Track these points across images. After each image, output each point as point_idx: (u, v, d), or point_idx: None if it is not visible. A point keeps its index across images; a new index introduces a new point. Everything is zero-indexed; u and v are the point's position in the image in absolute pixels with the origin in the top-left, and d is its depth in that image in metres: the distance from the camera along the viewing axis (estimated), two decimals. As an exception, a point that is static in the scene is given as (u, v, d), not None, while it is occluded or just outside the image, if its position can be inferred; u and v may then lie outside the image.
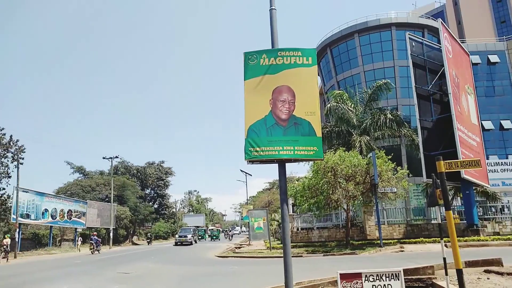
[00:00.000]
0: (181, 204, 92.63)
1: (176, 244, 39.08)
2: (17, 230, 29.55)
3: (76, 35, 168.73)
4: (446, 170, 6.55)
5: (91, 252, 30.09)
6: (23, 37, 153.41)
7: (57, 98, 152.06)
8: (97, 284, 11.98)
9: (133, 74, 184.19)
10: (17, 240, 28.60)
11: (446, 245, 7.62)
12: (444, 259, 7.04)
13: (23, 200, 31.89)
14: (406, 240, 22.33)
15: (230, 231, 65.23)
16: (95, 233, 35.44)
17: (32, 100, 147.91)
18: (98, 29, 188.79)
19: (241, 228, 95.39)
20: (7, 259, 24.30)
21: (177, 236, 41.56)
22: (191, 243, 38.98)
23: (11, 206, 31.48)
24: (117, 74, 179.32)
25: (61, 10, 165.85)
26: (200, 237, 53.57)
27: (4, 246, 24.69)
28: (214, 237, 55.54)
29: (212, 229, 60.54)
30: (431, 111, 24.26)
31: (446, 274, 6.91)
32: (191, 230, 43.57)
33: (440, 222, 8.09)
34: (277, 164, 6.42)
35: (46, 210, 35.30)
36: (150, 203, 65.06)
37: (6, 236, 26.48)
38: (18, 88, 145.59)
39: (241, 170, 51.18)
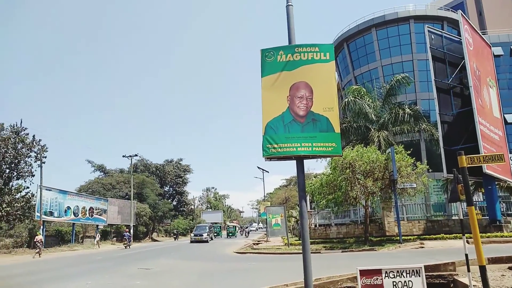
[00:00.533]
0: (199, 201, 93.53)
1: (191, 242, 38.18)
2: (41, 227, 30.37)
3: (79, 34, 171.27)
4: (468, 165, 6.43)
5: (125, 246, 33.36)
6: (26, 35, 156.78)
7: (69, 97, 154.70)
8: (119, 280, 12.22)
9: (148, 73, 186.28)
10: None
11: (468, 241, 7.49)
12: (466, 255, 6.93)
13: (46, 198, 32.75)
14: (426, 236, 21.99)
15: (246, 228, 64.89)
16: (127, 230, 37.95)
17: (45, 99, 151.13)
18: (106, 26, 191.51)
19: (258, 224, 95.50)
20: (40, 254, 25.10)
21: (192, 234, 40.54)
22: (207, 241, 37.90)
23: (35, 204, 32.38)
24: (131, 72, 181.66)
25: (77, 7, 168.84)
26: (216, 234, 51.99)
27: (38, 243, 25.61)
28: (231, 234, 53.83)
29: (228, 226, 59.33)
30: (451, 105, 23.77)
31: (469, 271, 6.81)
32: (207, 227, 42.05)
33: (461, 218, 7.97)
34: (294, 161, 6.42)
35: (68, 207, 36.16)
36: (169, 200, 65.84)
37: (37, 233, 27.60)
38: (35, 87, 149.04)
39: (258, 167, 51.29)
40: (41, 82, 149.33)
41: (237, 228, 59.79)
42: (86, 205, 39.21)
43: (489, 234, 20.13)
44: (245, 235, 53.00)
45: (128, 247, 33.37)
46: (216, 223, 63.68)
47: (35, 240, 26.10)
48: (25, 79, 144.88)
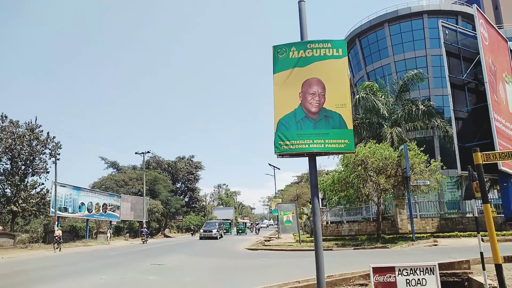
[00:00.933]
0: (210, 198, 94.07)
1: (201, 238, 37.59)
2: (56, 223, 30.92)
3: (82, 31, 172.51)
4: (483, 162, 6.33)
5: (143, 241, 35.32)
6: (31, 35, 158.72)
7: (75, 95, 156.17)
8: (133, 275, 12.38)
9: (159, 68, 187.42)
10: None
11: (483, 239, 7.38)
12: (481, 253, 6.84)
13: (61, 194, 33.31)
14: (440, 234, 21.77)
15: (256, 224, 64.48)
16: (144, 226, 39.84)
17: (55, 96, 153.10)
18: (114, 20, 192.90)
19: (269, 221, 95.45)
20: (60, 248, 26.19)
21: (201, 230, 39.70)
22: (216, 238, 37.22)
23: (50, 200, 32.98)
24: (143, 68, 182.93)
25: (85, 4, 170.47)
26: (225, 231, 50.46)
27: (57, 237, 26.68)
28: (240, 231, 52.42)
29: (238, 223, 57.80)
30: (466, 101, 23.41)
31: (484, 269, 6.72)
32: (216, 224, 41.09)
33: (476, 215, 7.85)
34: (306, 158, 6.39)
35: (82, 203, 36.72)
36: (181, 197, 66.38)
37: (57, 228, 28.47)
38: (43, 84, 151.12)
39: (269, 164, 51.27)
40: (50, 80, 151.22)
41: (246, 225, 59.07)
42: (99, 201, 39.78)
43: (504, 232, 19.81)
44: (256, 232, 52.83)
45: (145, 242, 34.96)
46: (227, 219, 63.79)
47: (55, 235, 27.13)
48: (33, 77, 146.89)
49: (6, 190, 33.79)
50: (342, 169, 21.66)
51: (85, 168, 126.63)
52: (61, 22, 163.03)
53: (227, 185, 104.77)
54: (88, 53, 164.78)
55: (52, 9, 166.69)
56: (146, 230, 38.12)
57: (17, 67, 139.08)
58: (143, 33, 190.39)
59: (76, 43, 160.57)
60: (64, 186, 34.28)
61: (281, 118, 6.19)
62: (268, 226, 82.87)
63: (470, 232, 20.90)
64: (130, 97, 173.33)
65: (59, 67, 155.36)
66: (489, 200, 25.48)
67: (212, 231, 37.84)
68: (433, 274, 6.14)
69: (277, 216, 29.70)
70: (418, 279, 6.13)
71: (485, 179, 22.32)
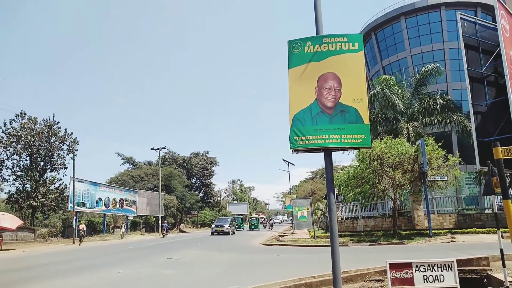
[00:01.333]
0: (225, 193, 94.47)
1: (212, 234, 36.92)
2: (74, 218, 31.54)
3: (85, 28, 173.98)
4: (504, 157, 6.21)
5: (163, 235, 37.43)
6: (39, 31, 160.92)
7: (82, 90, 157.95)
8: (149, 269, 12.55)
9: (171, 64, 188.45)
10: (74, 227, 30.63)
11: (502, 236, 7.24)
12: (501, 250, 6.72)
13: (78, 190, 33.90)
14: (458, 230, 21.46)
15: (270, 220, 64.00)
16: (165, 221, 41.91)
17: (73, 93, 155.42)
18: (123, 19, 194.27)
19: (283, 216, 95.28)
20: (81, 242, 27.55)
21: (213, 225, 39.20)
22: (228, 233, 36.53)
23: (68, 195, 33.62)
24: (156, 65, 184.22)
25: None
26: (237, 227, 48.12)
27: (81, 231, 28.03)
28: (253, 227, 49.91)
29: (251, 218, 55.62)
30: (485, 94, 22.84)
31: (504, 266, 6.60)
32: (228, 219, 40.99)
33: (496, 211, 7.70)
34: (321, 153, 6.34)
35: (100, 199, 37.34)
36: (196, 192, 66.89)
37: (82, 222, 29.42)
38: (53, 81, 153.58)
39: (284, 160, 51.05)
40: (52, 79, 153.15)
41: (260, 220, 57.73)
42: (116, 197, 40.38)
43: (525, 228, 19.40)
44: (269, 228, 52.57)
45: (165, 236, 36.89)
46: (241, 215, 63.85)
47: (79, 229, 28.41)
48: (36, 75, 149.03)
49: (26, 186, 34.59)
50: (358, 164, 21.51)
51: (101, 164, 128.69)
52: (63, 21, 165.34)
53: (241, 181, 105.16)
54: (88, 52, 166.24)
55: (66, 8, 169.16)
56: (167, 225, 39.96)
57: (20, 67, 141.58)
58: (144, 30, 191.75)
59: (74, 42, 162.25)
60: (82, 182, 34.86)
61: (296, 113, 6.16)
62: (281, 222, 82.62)
63: (489, 229, 20.54)
64: (134, 95, 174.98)
65: (58, 66, 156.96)
66: (510, 195, 24.96)
67: (224, 226, 37.52)
68: (451, 270, 6.07)
69: (292, 211, 29.67)
70: (436, 275, 6.06)
71: (505, 174, 21.88)
